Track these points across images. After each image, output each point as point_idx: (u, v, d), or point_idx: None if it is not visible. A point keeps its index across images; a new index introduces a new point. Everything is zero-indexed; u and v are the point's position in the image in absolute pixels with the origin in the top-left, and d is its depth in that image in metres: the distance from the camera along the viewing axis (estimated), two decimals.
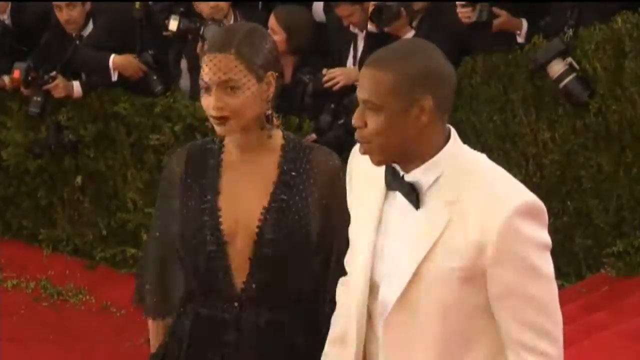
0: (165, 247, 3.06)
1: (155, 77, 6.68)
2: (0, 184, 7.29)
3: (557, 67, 5.66)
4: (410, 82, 2.45)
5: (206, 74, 2.85)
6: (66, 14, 6.82)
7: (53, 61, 6.99)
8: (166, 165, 3.17)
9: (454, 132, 2.55)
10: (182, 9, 6.57)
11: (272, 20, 6.47)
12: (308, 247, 2.95)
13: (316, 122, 6.19)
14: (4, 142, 7.17)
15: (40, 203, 7.25)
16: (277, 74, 2.92)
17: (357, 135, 2.52)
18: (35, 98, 6.83)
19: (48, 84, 6.79)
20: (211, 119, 2.89)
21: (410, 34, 6.12)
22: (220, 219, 2.92)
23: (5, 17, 7.39)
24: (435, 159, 2.50)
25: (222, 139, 3.02)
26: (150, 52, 6.71)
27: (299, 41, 6.47)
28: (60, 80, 6.81)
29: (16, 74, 6.76)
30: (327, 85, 6.29)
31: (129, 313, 6.60)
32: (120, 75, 6.78)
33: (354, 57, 6.51)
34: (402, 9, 6.03)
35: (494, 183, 2.49)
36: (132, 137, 6.87)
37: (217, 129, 2.90)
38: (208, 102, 2.86)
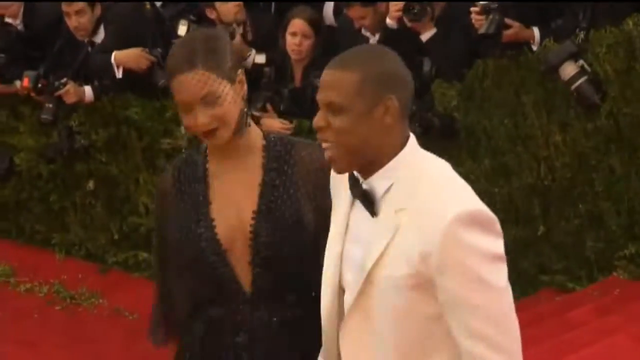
0: (166, 260, 3.06)
1: (160, 71, 6.64)
2: (13, 188, 7.30)
3: (568, 70, 5.63)
4: (375, 82, 2.45)
5: (183, 95, 2.83)
6: (75, 21, 6.82)
7: (65, 67, 6.99)
8: (157, 183, 3.16)
9: (412, 138, 2.52)
10: (192, 17, 6.56)
11: (300, 24, 6.42)
12: (305, 241, 2.92)
13: None
14: (17, 147, 7.17)
15: (53, 207, 7.25)
16: (242, 73, 2.91)
17: (319, 137, 2.51)
18: (47, 105, 6.83)
19: (59, 90, 6.79)
20: (200, 136, 2.88)
21: (431, 32, 6.09)
22: (215, 229, 2.91)
23: (18, 22, 7.39)
24: (390, 164, 2.48)
25: (205, 149, 3.01)
26: (159, 50, 6.68)
27: (324, 43, 6.47)
28: (71, 86, 6.80)
29: (25, 82, 6.76)
30: None
31: (141, 317, 6.59)
32: (125, 71, 6.73)
33: None
34: (429, 8, 6.02)
35: (440, 191, 2.44)
36: (144, 141, 6.87)
37: (211, 140, 2.89)
38: (193, 122, 2.84)
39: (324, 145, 2.49)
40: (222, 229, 2.91)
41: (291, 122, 6.27)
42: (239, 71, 2.89)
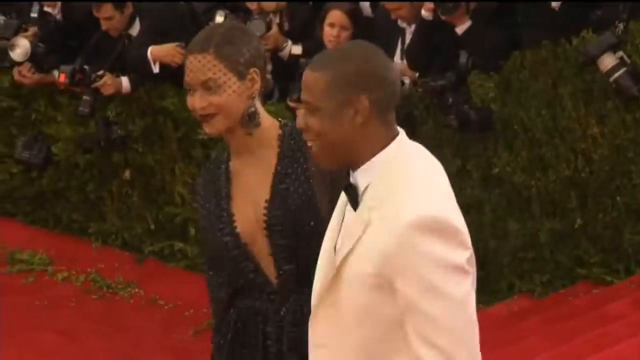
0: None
1: None
2: (51, 178, 7.33)
3: (608, 61, 5.58)
4: (343, 82, 2.44)
5: (187, 74, 2.88)
6: (105, 24, 6.90)
7: (102, 59, 7.01)
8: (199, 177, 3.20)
9: (400, 136, 2.50)
10: (226, 11, 6.55)
11: (338, 15, 6.39)
12: (321, 227, 2.87)
13: None
14: (55, 137, 7.21)
15: (90, 197, 7.29)
16: (260, 70, 2.91)
17: (304, 136, 2.53)
18: (85, 97, 6.86)
19: (96, 83, 6.82)
20: (198, 118, 2.92)
21: (466, 24, 6.06)
22: (235, 224, 2.93)
23: (56, 12, 7.43)
24: (369, 163, 2.47)
25: (229, 147, 3.04)
26: None
27: (361, 34, 6.45)
28: (108, 78, 6.82)
29: (62, 77, 6.79)
30: None
31: (178, 306, 6.62)
32: (162, 65, 6.75)
33: (402, 51, 6.45)
34: (462, 2, 5.97)
35: (406, 194, 2.41)
36: (180, 131, 6.88)
37: (205, 127, 2.92)
38: (192, 102, 2.89)
39: (309, 143, 2.51)
40: (242, 224, 2.94)
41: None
42: (253, 70, 2.89)
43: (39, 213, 7.51)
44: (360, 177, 2.48)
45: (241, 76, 2.87)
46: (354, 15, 6.47)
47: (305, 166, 2.96)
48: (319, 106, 2.45)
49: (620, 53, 5.58)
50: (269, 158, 2.97)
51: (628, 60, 5.59)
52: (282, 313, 2.96)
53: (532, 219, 5.99)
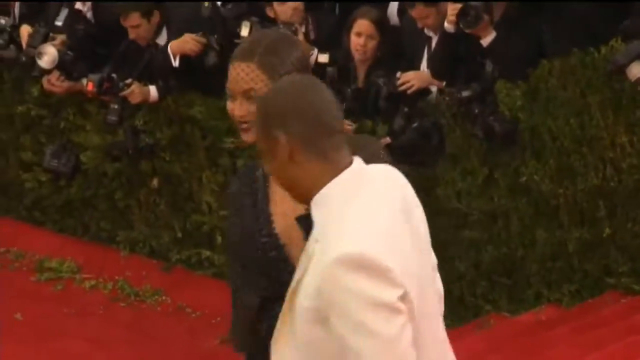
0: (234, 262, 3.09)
1: (212, 53, 6.65)
2: (79, 186, 7.36)
3: (636, 70, 5.53)
4: (264, 121, 2.47)
5: (229, 82, 2.88)
6: (133, 33, 6.92)
7: (130, 67, 7.04)
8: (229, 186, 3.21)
9: (354, 164, 2.45)
10: (254, 18, 6.55)
11: (365, 24, 6.38)
12: None
13: (390, 126, 6.14)
14: (83, 145, 7.23)
15: (118, 205, 7.31)
16: None
17: None
18: (112, 106, 6.89)
19: (124, 91, 6.84)
20: (237, 125, 2.93)
21: (491, 36, 6.03)
22: (274, 224, 2.92)
23: (87, 9, 7.42)
24: (320, 194, 2.44)
25: None
26: (215, 36, 6.71)
27: (388, 43, 6.44)
28: (136, 86, 6.85)
29: (90, 86, 6.82)
30: (401, 88, 6.23)
31: (205, 314, 6.62)
32: (186, 69, 6.75)
33: (428, 60, 6.44)
34: (485, 15, 5.94)
35: (340, 230, 2.38)
36: (207, 140, 6.89)
37: (243, 135, 2.93)
38: (232, 108, 2.90)
39: None
40: (280, 224, 2.91)
41: (353, 122, 6.25)
42: None
43: (67, 221, 7.54)
44: (313, 209, 2.47)
45: None
46: (381, 24, 6.46)
47: None
48: (259, 145, 2.50)
49: None
50: None
51: None
52: None
53: (560, 228, 5.96)
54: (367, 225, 2.39)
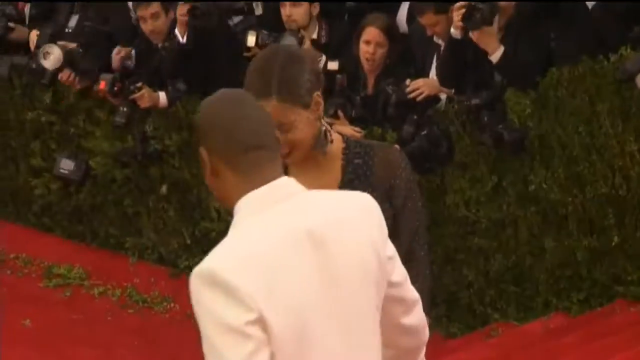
0: None
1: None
2: (88, 192, 7.37)
3: None
4: (196, 136, 2.54)
5: None
6: (150, 24, 6.89)
7: (140, 72, 7.05)
8: None
9: (267, 186, 2.39)
10: (258, 30, 6.54)
11: (374, 32, 6.35)
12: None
13: (399, 133, 6.12)
14: (93, 151, 7.24)
15: (127, 212, 7.31)
16: (321, 90, 2.94)
17: None
18: (121, 108, 6.90)
19: (134, 94, 6.85)
20: None
21: (499, 51, 5.98)
22: None
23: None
24: (235, 208, 2.44)
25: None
26: None
27: (397, 51, 6.43)
28: (146, 91, 6.85)
29: (102, 84, 6.85)
30: (410, 95, 6.21)
31: None
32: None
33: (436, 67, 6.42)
34: (490, 16, 5.91)
35: (217, 246, 2.38)
36: None
37: (285, 161, 2.91)
38: None
39: None
40: None
41: (363, 129, 6.24)
42: (315, 94, 2.92)
43: (76, 228, 7.55)
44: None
45: (306, 105, 2.91)
46: (390, 31, 6.44)
47: (370, 180, 3.03)
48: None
49: None
50: (333, 169, 3.04)
51: None
52: None
53: (569, 236, 5.94)
54: (235, 243, 2.36)
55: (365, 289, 2.43)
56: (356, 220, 2.46)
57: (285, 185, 2.43)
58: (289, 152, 2.92)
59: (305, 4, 6.67)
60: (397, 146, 5.92)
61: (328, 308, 2.37)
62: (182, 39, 6.77)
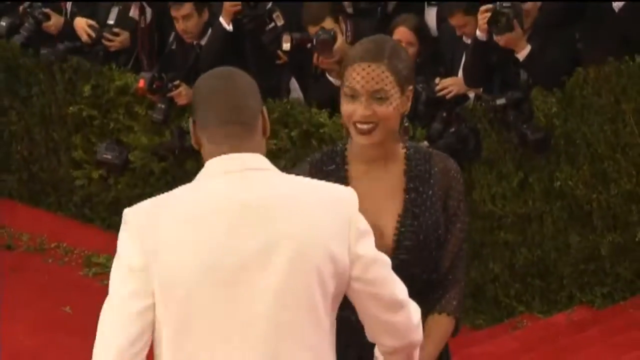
0: None
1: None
2: (127, 184, 7.41)
3: None
4: None
5: (357, 81, 2.85)
6: (182, 25, 6.87)
7: (177, 69, 7.08)
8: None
9: (215, 159, 2.45)
10: (292, 34, 6.55)
11: (404, 32, 6.34)
12: (439, 247, 2.94)
13: (428, 130, 6.13)
14: (132, 145, 7.29)
15: None
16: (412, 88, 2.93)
17: None
18: (159, 105, 6.94)
19: (172, 92, 6.89)
20: (356, 127, 2.88)
21: (526, 50, 5.96)
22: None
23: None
24: None
25: (343, 151, 3.01)
26: None
27: (427, 50, 6.43)
28: (183, 88, 6.88)
29: (141, 82, 6.87)
30: (440, 94, 6.22)
31: None
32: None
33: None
34: (516, 20, 5.88)
35: None
36: None
37: (361, 138, 2.89)
38: (354, 109, 2.87)
39: None
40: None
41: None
42: (410, 87, 2.91)
43: (114, 219, 7.58)
44: None
45: (402, 92, 2.89)
46: (420, 31, 6.45)
47: (433, 187, 2.97)
48: None
49: None
50: (395, 173, 2.98)
51: None
52: None
53: (594, 232, 5.93)
54: (162, 196, 2.51)
55: (298, 271, 2.37)
56: (310, 206, 2.42)
57: (249, 160, 2.44)
58: (374, 126, 2.86)
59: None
60: (423, 143, 5.94)
61: (227, 276, 2.34)
62: (228, 26, 6.77)
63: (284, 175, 2.47)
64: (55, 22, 7.40)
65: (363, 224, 2.49)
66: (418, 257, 2.90)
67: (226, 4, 6.69)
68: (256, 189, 2.40)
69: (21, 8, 7.49)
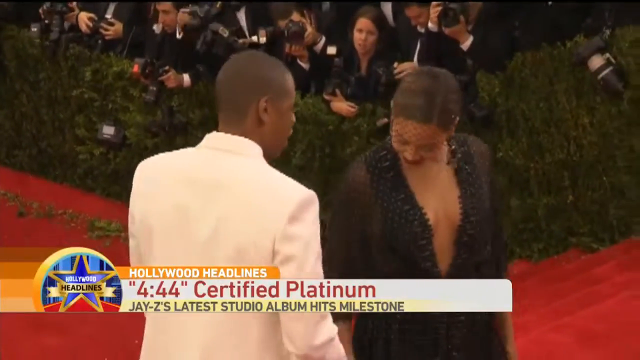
0: (350, 248, 2.83)
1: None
2: (124, 158, 7.41)
3: (596, 62, 5.56)
4: None
5: (408, 137, 2.68)
6: (161, 18, 6.91)
7: (166, 56, 7.07)
8: (346, 177, 2.86)
9: (211, 134, 2.55)
10: (267, 28, 6.52)
11: (365, 22, 6.36)
12: (493, 224, 2.85)
13: (388, 109, 6.16)
14: (128, 123, 7.28)
15: None
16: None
17: None
18: (151, 87, 6.94)
19: (162, 76, 6.89)
20: (405, 158, 2.75)
21: (469, 40, 6.01)
22: (426, 216, 2.77)
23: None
24: None
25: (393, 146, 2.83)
26: None
27: (385, 38, 6.45)
28: (172, 73, 6.89)
29: (135, 67, 6.91)
30: (398, 76, 6.25)
31: None
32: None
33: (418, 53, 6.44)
34: (461, 16, 5.92)
35: None
36: None
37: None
38: (403, 149, 2.73)
39: None
40: (430, 215, 2.77)
41: (357, 105, 6.28)
42: (457, 119, 2.72)
43: (114, 188, 7.59)
44: None
45: (449, 131, 2.73)
46: (379, 21, 6.47)
47: (477, 166, 2.86)
48: None
49: (607, 55, 5.57)
50: (445, 158, 2.83)
51: (613, 61, 5.57)
52: None
53: (531, 196, 5.99)
54: (157, 157, 2.61)
55: (219, 241, 2.38)
56: (251, 196, 2.36)
57: (228, 141, 2.47)
58: (420, 160, 2.73)
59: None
60: (383, 120, 5.98)
61: (177, 230, 2.46)
62: (179, 35, 6.81)
63: (259, 164, 2.41)
64: (115, 28, 7.34)
65: (296, 237, 2.32)
66: (482, 230, 2.80)
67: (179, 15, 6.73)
68: (212, 168, 2.44)
69: (41, 10, 7.41)
